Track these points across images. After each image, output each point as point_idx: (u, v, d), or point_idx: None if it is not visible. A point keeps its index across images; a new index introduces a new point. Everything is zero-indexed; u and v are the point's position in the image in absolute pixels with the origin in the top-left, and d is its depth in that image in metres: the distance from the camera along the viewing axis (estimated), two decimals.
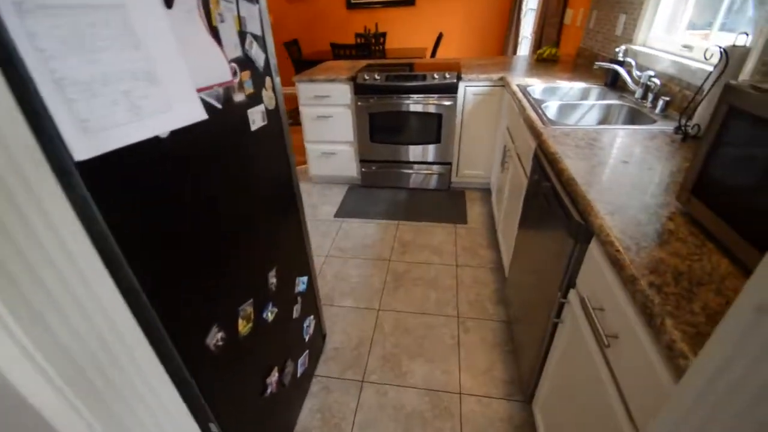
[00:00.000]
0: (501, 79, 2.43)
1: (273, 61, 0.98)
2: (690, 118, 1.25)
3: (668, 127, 1.36)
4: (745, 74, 1.12)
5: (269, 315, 1.02)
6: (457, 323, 1.73)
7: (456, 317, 1.76)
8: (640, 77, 1.66)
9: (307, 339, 1.37)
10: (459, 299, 1.86)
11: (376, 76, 2.59)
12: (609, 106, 1.71)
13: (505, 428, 1.30)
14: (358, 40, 5.43)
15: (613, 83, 1.95)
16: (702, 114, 1.20)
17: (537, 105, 1.68)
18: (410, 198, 2.88)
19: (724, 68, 1.10)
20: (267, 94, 0.92)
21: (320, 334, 1.56)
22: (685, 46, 1.58)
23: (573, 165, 1.09)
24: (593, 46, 2.53)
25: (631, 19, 2.02)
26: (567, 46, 3.10)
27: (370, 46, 4.53)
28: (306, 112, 2.83)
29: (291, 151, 1.15)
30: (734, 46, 1.09)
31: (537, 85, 2.08)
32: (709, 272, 0.66)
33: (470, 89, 2.53)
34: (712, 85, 1.15)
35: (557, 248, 1.07)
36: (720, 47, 1.11)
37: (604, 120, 1.74)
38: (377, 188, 3.05)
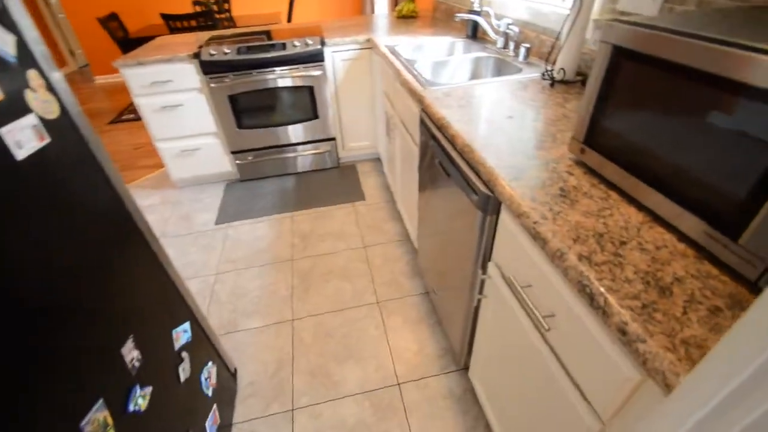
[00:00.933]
0: (368, 40, 2.27)
1: (39, 49, 0.63)
2: (554, 63, 1.28)
3: (534, 74, 1.39)
4: (595, 14, 1.17)
5: (141, 402, 0.75)
6: (379, 309, 1.64)
7: (376, 303, 1.67)
8: (499, 26, 1.67)
9: (210, 393, 1.11)
10: (375, 283, 1.77)
11: (226, 50, 2.19)
12: (477, 59, 1.70)
13: (448, 405, 1.28)
14: (197, 9, 4.65)
15: (474, 35, 1.97)
16: (565, 58, 1.23)
17: (410, 66, 1.58)
18: (300, 183, 2.63)
19: (579, 10, 1.13)
20: (38, 98, 0.59)
21: (228, 374, 1.31)
22: None
23: (463, 129, 1.01)
24: (448, 0, 2.53)
25: None
26: (424, 1, 3.07)
27: (212, 14, 3.88)
28: (144, 104, 2.27)
29: (110, 165, 0.81)
30: None
31: (404, 44, 1.98)
32: (624, 226, 0.64)
33: (338, 55, 2.32)
34: (570, 28, 1.17)
35: (466, 220, 1.00)
36: None
37: (476, 73, 1.73)
38: (260, 180, 2.70)
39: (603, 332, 0.55)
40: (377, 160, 2.85)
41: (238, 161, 2.59)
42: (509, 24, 1.63)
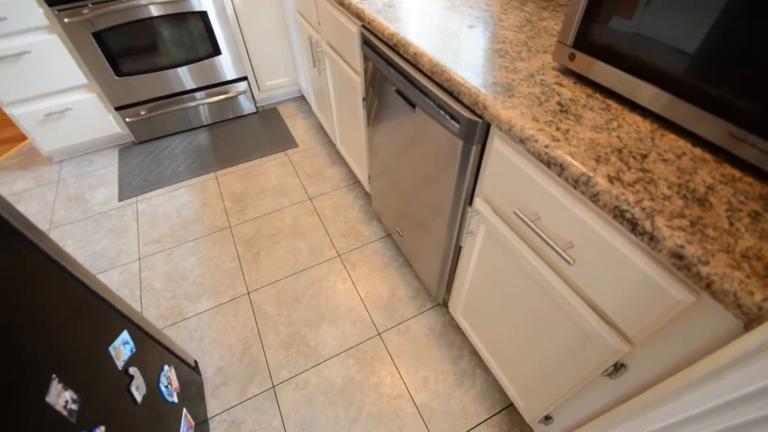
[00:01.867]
0: None
1: None
2: None
3: None
4: None
5: None
6: (341, 263, 1.53)
7: (337, 257, 1.56)
8: None
9: (175, 398, 0.95)
10: (331, 236, 1.64)
11: None
12: None
13: (432, 341, 1.28)
14: None
15: None
16: None
17: None
18: (216, 136, 2.25)
19: None
20: None
21: (189, 369, 1.14)
22: None
23: (426, 45, 0.85)
24: None
25: None
26: None
27: None
28: None
29: None
30: None
31: None
32: (638, 137, 0.58)
33: None
34: None
35: (441, 152, 0.89)
36: None
37: None
38: (163, 139, 2.26)
39: (645, 258, 0.51)
40: (302, 98, 2.53)
41: (127, 119, 2.10)
42: None
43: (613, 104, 0.65)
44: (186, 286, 1.48)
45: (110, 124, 2.10)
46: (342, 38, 1.29)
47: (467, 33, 0.90)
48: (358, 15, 1.08)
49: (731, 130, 0.51)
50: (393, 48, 0.97)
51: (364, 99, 1.30)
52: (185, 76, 2.08)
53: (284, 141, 2.19)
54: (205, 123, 2.31)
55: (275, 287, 1.45)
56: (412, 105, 0.95)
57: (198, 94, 2.18)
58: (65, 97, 1.93)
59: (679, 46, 0.54)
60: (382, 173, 1.38)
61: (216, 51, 2.07)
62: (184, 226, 1.73)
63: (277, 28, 2.14)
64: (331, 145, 2.13)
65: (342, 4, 1.15)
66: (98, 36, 1.79)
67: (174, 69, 2.03)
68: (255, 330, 1.33)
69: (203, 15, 1.92)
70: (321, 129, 2.25)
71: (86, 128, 2.06)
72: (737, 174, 0.52)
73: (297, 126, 2.31)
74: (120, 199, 1.91)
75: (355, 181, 1.90)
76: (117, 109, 2.05)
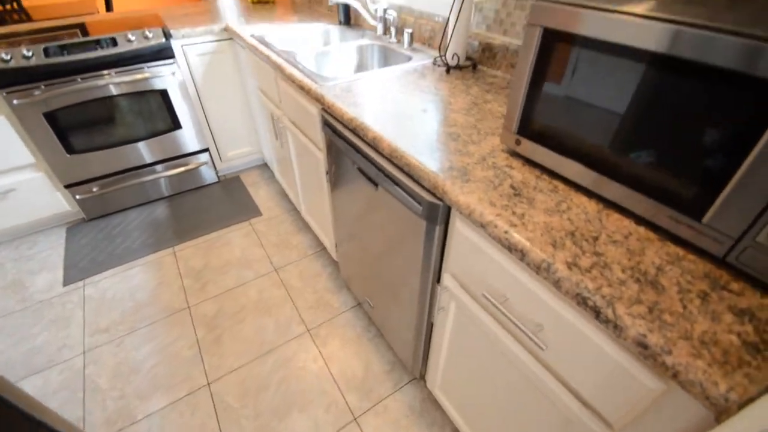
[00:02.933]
0: (225, 30, 1.94)
1: None
2: (443, 48, 1.24)
3: (425, 60, 1.34)
4: None
5: None
6: (311, 338, 1.46)
7: (307, 332, 1.48)
8: (376, 11, 1.58)
9: None
10: (299, 309, 1.57)
11: (26, 52, 1.61)
12: (361, 48, 1.58)
13: (412, 421, 1.21)
14: None
15: (348, 20, 1.84)
16: (455, 43, 1.20)
17: (292, 59, 1.38)
18: (175, 208, 2.18)
19: None
20: None
21: None
22: None
23: (384, 130, 0.90)
24: None
25: None
26: None
27: None
28: None
29: None
30: None
31: (273, 33, 1.74)
32: (586, 218, 0.62)
33: (191, 49, 1.93)
34: (458, 15, 1.14)
35: (406, 230, 0.91)
36: None
37: (362, 63, 1.62)
38: (117, 214, 2.15)
39: (613, 344, 0.51)
40: (264, 166, 2.55)
41: (78, 196, 2.00)
42: (386, 9, 1.55)
43: (560, 185, 0.70)
44: (137, 381, 1.33)
45: (58, 203, 1.99)
46: (303, 117, 1.34)
47: (421, 117, 0.95)
48: (318, 99, 1.13)
49: (668, 212, 0.56)
50: (353, 131, 1.01)
51: (327, 172, 1.32)
52: (143, 151, 2.05)
53: (247, 210, 2.15)
54: (164, 195, 2.25)
55: (239, 374, 1.34)
56: (375, 184, 0.97)
57: (156, 167, 2.13)
58: (9, 178, 1.82)
59: (602, 126, 0.59)
60: (348, 241, 1.37)
61: (176, 125, 2.07)
62: (136, 310, 1.60)
63: (239, 101, 2.20)
64: (296, 212, 2.12)
65: (302, 89, 1.21)
66: (50, 115, 1.75)
67: (131, 144, 2.00)
68: (216, 430, 1.20)
69: (163, 92, 1.95)
70: (285, 196, 2.25)
71: (31, 208, 1.94)
72: (681, 252, 0.56)
73: (260, 194, 2.29)
74: (65, 284, 1.75)
75: (323, 248, 1.87)
76: (67, 186, 1.96)
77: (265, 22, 1.92)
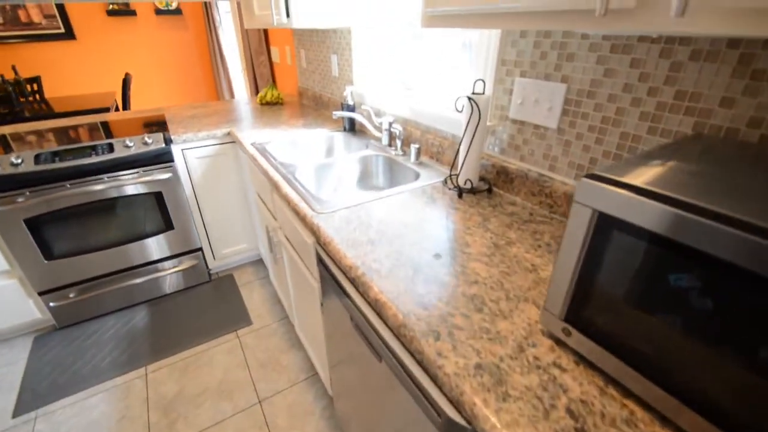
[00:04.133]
0: (228, 134, 1.92)
1: None
2: (453, 168, 1.14)
3: (434, 179, 1.24)
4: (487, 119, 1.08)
5: None
6: None
7: None
8: (380, 124, 1.53)
9: None
10: None
11: (15, 160, 1.54)
12: (365, 159, 1.51)
13: None
14: None
15: (352, 128, 1.81)
16: (468, 166, 1.10)
17: (290, 175, 1.29)
18: (157, 314, 1.97)
19: (479, 118, 1.01)
20: None
21: None
22: (407, 89, 1.55)
23: (390, 291, 0.73)
24: (313, 86, 2.39)
25: (343, 59, 1.92)
26: (286, 86, 2.90)
27: (12, 98, 2.98)
28: None
29: None
30: (477, 94, 1.01)
31: (275, 141, 1.69)
32: None
33: (191, 152, 1.89)
34: (472, 137, 1.05)
35: (412, 423, 0.69)
36: (469, 98, 1.01)
37: (366, 174, 1.53)
38: (92, 321, 1.95)
39: None
40: (260, 262, 2.39)
41: (52, 303, 1.82)
42: (392, 122, 1.51)
43: (636, 409, 0.51)
44: None
45: (29, 310, 1.80)
46: (298, 241, 1.20)
47: (434, 266, 0.80)
48: (313, 230, 1.00)
49: None
50: (351, 281, 0.85)
51: (322, 304, 1.15)
52: (130, 253, 1.91)
53: (237, 317, 1.94)
54: (149, 298, 2.06)
55: None
56: (378, 355, 0.78)
57: (143, 269, 1.98)
58: None
59: (678, 336, 0.42)
60: (345, 382, 1.14)
61: (168, 226, 1.95)
62: None
63: (237, 199, 2.11)
64: (288, 321, 1.91)
65: (298, 215, 1.08)
66: (32, 220, 1.64)
67: (117, 247, 1.86)
68: None
69: (157, 194, 1.86)
70: (279, 301, 2.05)
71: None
72: None
73: (253, 296, 2.10)
74: (14, 415, 1.49)
75: (316, 372, 1.62)
76: (41, 293, 1.78)
77: (269, 128, 1.90)
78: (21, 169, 1.55)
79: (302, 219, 1.06)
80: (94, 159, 1.66)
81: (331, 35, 1.98)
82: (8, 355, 1.77)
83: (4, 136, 1.85)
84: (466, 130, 1.04)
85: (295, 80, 2.69)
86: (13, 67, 3.15)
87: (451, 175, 1.22)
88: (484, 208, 1.04)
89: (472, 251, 0.85)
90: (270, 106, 2.44)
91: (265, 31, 2.89)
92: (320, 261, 1.00)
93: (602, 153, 0.88)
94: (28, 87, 3.61)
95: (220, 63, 4.14)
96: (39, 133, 1.90)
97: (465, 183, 1.11)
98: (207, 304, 2.04)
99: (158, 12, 4.15)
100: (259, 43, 2.92)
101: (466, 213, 1.02)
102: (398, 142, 1.47)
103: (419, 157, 1.40)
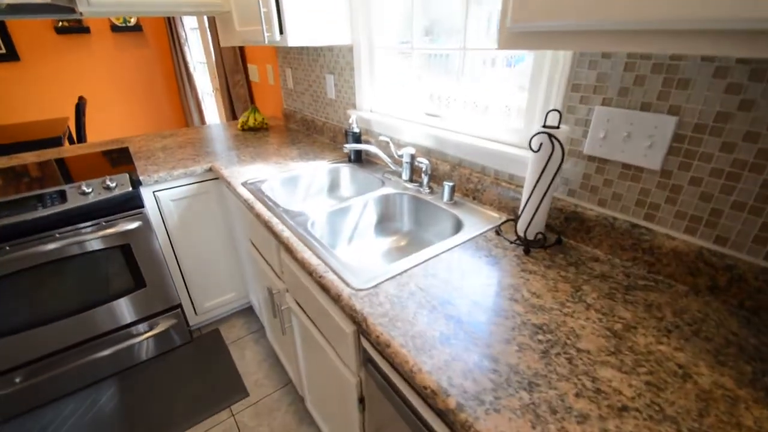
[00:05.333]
0: (211, 170, 1.62)
1: None
2: (525, 226, 0.92)
3: (483, 227, 1.01)
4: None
5: None
6: None
7: None
8: (401, 156, 1.30)
9: None
10: None
11: None
12: (385, 200, 1.27)
13: None
14: None
15: (359, 158, 1.57)
16: (542, 216, 0.89)
17: (304, 232, 1.02)
18: (127, 392, 1.61)
19: (561, 157, 0.80)
20: None
21: None
22: (430, 115, 1.33)
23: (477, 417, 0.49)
24: (302, 108, 2.13)
25: (342, 80, 1.69)
26: (268, 108, 2.62)
27: None
28: None
29: None
30: (549, 128, 0.80)
31: (270, 178, 1.42)
32: None
33: (165, 194, 1.58)
34: (552, 179, 0.83)
35: None
36: (548, 133, 0.79)
37: (387, 219, 1.29)
38: (47, 407, 1.57)
39: None
40: (249, 311, 2.08)
41: None
42: (413, 155, 1.28)
43: None
44: None
45: None
46: (328, 326, 0.93)
47: (551, 380, 0.57)
48: (353, 318, 0.74)
49: None
50: (440, 414, 0.60)
51: (360, 401, 0.88)
52: (92, 321, 1.56)
53: (229, 387, 1.62)
54: (118, 370, 1.70)
55: None
56: None
57: (109, 338, 1.62)
58: None
59: None
60: None
61: (138, 284, 1.62)
62: None
63: (221, 242, 1.80)
64: (292, 386, 1.61)
65: (325, 290, 0.82)
66: None
67: (74, 317, 1.51)
68: None
69: (124, 247, 1.53)
70: (278, 360, 1.75)
71: None
72: None
73: (246, 356, 1.78)
74: None
75: None
76: None
77: (259, 161, 1.62)
78: None
79: (335, 299, 0.80)
80: (41, 212, 1.32)
81: (326, 53, 1.74)
82: None
83: None
84: (543, 173, 0.83)
85: (279, 102, 2.42)
86: None
87: (505, 223, 1.01)
88: (565, 270, 0.83)
89: (588, 347, 0.63)
90: (253, 132, 2.16)
91: (241, 48, 2.61)
92: (369, 361, 0.74)
93: (732, 204, 0.69)
94: None
95: (187, 83, 3.79)
96: None
97: (536, 236, 0.90)
98: (190, 372, 1.71)
99: (115, 29, 3.77)
100: (235, 61, 2.63)
101: (546, 278, 0.80)
102: (424, 178, 1.24)
103: (453, 197, 1.17)
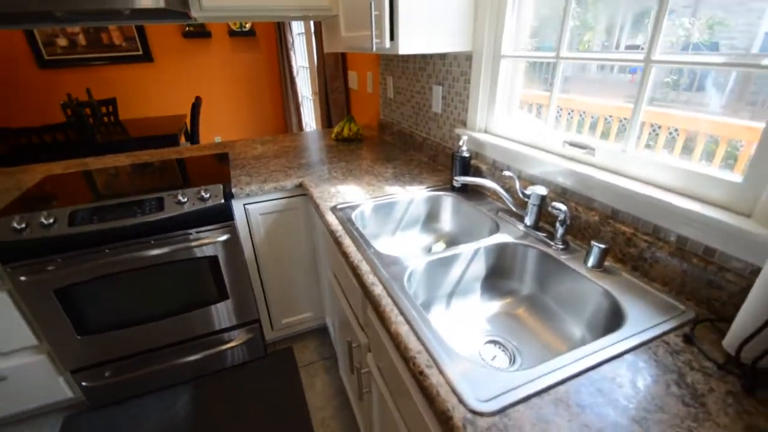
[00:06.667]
0: (300, 185, 1.51)
1: None
2: (722, 318, 0.58)
3: (661, 322, 0.69)
4: None
5: None
6: None
7: None
8: (526, 197, 1.01)
9: None
10: None
11: (46, 220, 1.24)
12: (503, 250, 1.00)
13: None
14: (68, 112, 3.61)
15: (464, 187, 1.31)
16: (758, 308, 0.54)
17: (397, 288, 0.81)
18: (199, 401, 1.59)
19: None
20: None
21: None
22: (573, 145, 1.02)
23: None
24: (400, 120, 1.94)
25: (453, 93, 1.45)
26: (363, 117, 2.50)
27: (84, 120, 2.83)
28: None
29: None
30: None
31: (361, 206, 1.24)
32: None
33: (255, 208, 1.51)
34: None
35: None
36: None
37: (498, 274, 1.02)
38: (129, 402, 1.61)
39: None
40: (324, 331, 1.96)
41: (84, 383, 1.50)
42: (543, 196, 0.98)
43: None
44: None
45: (59, 389, 1.50)
46: (418, 427, 0.70)
47: None
48: None
49: None
50: None
51: None
52: (176, 327, 1.55)
53: (294, 418, 1.49)
54: (196, 376, 1.69)
55: None
56: None
57: (189, 346, 1.61)
58: (2, 362, 1.38)
59: None
60: None
61: (222, 296, 1.58)
62: None
63: (305, 262, 1.70)
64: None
65: (427, 396, 0.59)
66: (63, 290, 1.33)
67: (162, 321, 1.52)
68: None
69: (212, 259, 1.49)
70: (345, 399, 1.58)
71: (25, 397, 1.46)
72: None
73: (316, 386, 1.65)
74: None
75: None
76: (73, 371, 1.48)
77: (351, 179, 1.47)
78: (52, 232, 1.24)
79: (440, 419, 0.56)
80: (139, 219, 1.32)
81: (436, 60, 1.51)
82: None
83: (43, 184, 1.60)
84: None
85: (375, 111, 2.28)
86: (88, 90, 3.09)
87: (700, 324, 0.67)
88: None
89: None
90: (347, 143, 2.03)
91: (343, 54, 2.53)
92: None
93: None
94: (103, 109, 3.59)
95: (290, 87, 3.90)
96: (87, 176, 1.62)
97: (763, 356, 0.55)
98: (260, 391, 1.63)
99: (232, 33, 4.04)
100: (336, 67, 2.56)
101: None
102: (559, 229, 0.94)
103: (603, 262, 0.85)
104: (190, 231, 1.41)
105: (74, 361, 1.45)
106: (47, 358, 1.43)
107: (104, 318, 1.42)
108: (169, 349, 1.58)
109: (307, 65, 3.61)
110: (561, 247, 0.94)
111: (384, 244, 1.29)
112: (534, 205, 1.00)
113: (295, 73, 3.81)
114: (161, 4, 1.22)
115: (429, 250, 1.24)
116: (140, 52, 3.72)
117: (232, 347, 1.68)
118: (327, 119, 2.81)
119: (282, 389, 1.64)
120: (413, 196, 1.30)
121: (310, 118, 3.99)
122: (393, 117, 2.02)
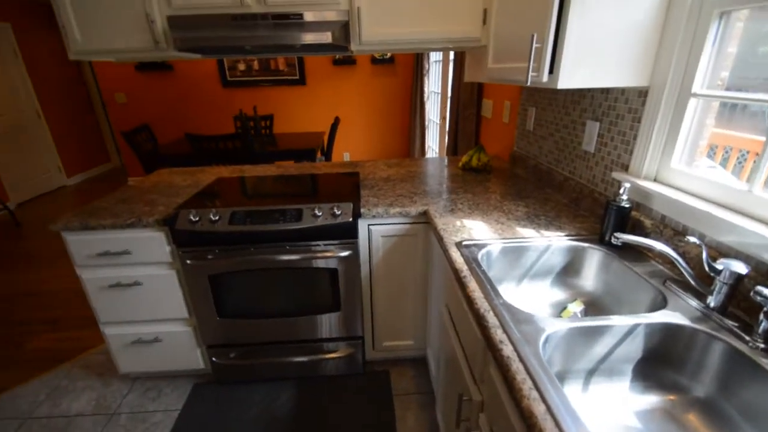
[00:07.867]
0: (425, 213, 1.50)
1: None
2: None
3: None
4: None
5: None
6: None
7: None
8: (714, 272, 0.79)
9: None
10: None
11: (213, 217, 1.47)
12: (672, 333, 0.80)
13: None
14: (237, 124, 4.37)
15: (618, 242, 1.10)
16: None
17: (531, 354, 0.70)
18: (300, 401, 1.67)
19: None
20: None
21: None
22: None
23: None
24: (538, 155, 1.79)
25: (613, 130, 1.26)
26: (494, 147, 2.40)
27: (248, 131, 3.39)
28: (89, 278, 1.55)
29: None
30: None
31: (492, 244, 1.15)
32: None
33: (378, 229, 1.54)
34: None
35: None
36: None
37: (668, 363, 0.81)
38: (243, 385, 1.79)
39: None
40: (422, 363, 1.89)
41: (214, 358, 1.72)
42: (741, 274, 0.75)
43: None
44: None
45: (196, 360, 1.75)
46: None
47: None
48: None
49: None
50: None
51: None
52: (291, 327, 1.68)
53: None
54: (299, 375, 1.80)
55: None
56: None
57: (300, 346, 1.72)
58: (159, 327, 1.67)
59: None
60: None
61: (335, 307, 1.65)
62: None
63: (415, 289, 1.67)
64: None
65: None
66: (213, 277, 1.55)
67: (281, 319, 1.65)
68: None
69: (332, 271, 1.57)
70: None
71: (169, 359, 1.74)
72: None
73: (408, 421, 1.58)
74: None
75: None
76: (208, 347, 1.71)
77: (477, 213, 1.39)
78: (217, 227, 1.47)
79: None
80: (280, 226, 1.47)
81: (597, 94, 1.35)
82: (167, 399, 1.74)
83: (217, 181, 1.91)
84: None
85: (508, 142, 2.16)
86: (254, 108, 3.68)
87: None
88: None
89: None
90: (474, 173, 1.96)
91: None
92: None
93: None
94: (263, 123, 4.23)
95: (418, 110, 4.02)
96: (244, 181, 1.89)
97: None
98: (353, 408, 1.63)
99: (374, 61, 4.38)
100: (471, 95, 2.53)
101: None
102: (763, 323, 0.71)
103: None
104: (319, 243, 1.52)
105: (211, 338, 1.68)
106: (192, 331, 1.69)
107: (239, 306, 1.62)
108: (282, 345, 1.71)
109: (439, 91, 3.67)
110: (762, 346, 0.70)
111: (508, 292, 1.17)
112: (725, 283, 0.78)
113: (425, 98, 3.92)
114: (329, 40, 1.35)
115: (562, 308, 1.07)
116: (297, 77, 4.31)
117: (334, 358, 1.74)
118: (453, 146, 2.79)
119: (374, 414, 1.61)
120: (550, 242, 1.16)
121: (433, 142, 4.04)
122: (529, 150, 1.88)
